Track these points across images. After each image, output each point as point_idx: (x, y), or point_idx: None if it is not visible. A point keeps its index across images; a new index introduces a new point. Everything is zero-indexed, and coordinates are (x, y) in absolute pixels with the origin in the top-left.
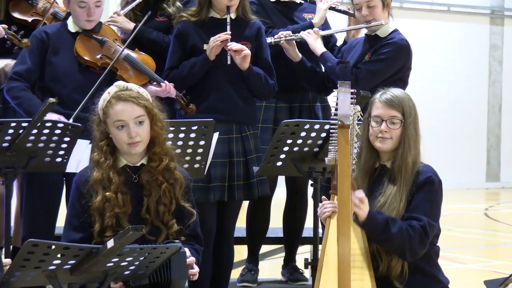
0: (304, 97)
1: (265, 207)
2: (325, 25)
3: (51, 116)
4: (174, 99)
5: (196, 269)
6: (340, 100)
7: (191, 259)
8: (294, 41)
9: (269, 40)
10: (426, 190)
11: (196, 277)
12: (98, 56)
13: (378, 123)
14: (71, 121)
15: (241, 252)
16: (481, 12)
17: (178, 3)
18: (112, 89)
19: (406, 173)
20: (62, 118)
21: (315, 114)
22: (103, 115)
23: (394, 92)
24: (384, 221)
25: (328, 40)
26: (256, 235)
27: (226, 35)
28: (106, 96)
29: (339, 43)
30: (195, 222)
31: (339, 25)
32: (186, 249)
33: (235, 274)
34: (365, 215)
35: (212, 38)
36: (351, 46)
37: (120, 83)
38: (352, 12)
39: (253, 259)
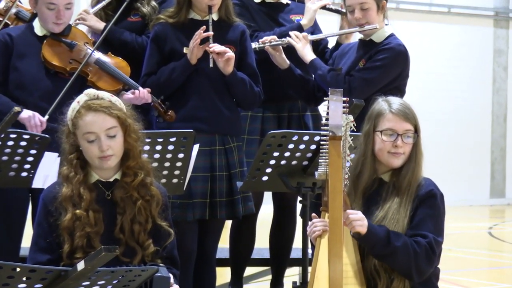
0: (293, 106)
1: (250, 226)
2: (314, 27)
3: (25, 113)
4: (151, 107)
5: None
6: (332, 109)
7: (175, 287)
8: (281, 47)
9: (254, 45)
10: (429, 205)
11: None
12: (68, 61)
13: (392, 137)
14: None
15: (223, 275)
16: (485, 14)
17: (153, 2)
18: (81, 98)
19: (411, 188)
20: (37, 116)
21: (305, 125)
22: (72, 126)
23: (402, 102)
24: (386, 234)
25: (318, 43)
26: (240, 256)
27: (206, 33)
28: (75, 105)
29: (330, 44)
30: (172, 243)
31: (329, 27)
32: (171, 275)
33: None
34: (365, 229)
35: (192, 40)
36: (344, 52)
37: (90, 91)
38: (345, 11)
39: (237, 282)
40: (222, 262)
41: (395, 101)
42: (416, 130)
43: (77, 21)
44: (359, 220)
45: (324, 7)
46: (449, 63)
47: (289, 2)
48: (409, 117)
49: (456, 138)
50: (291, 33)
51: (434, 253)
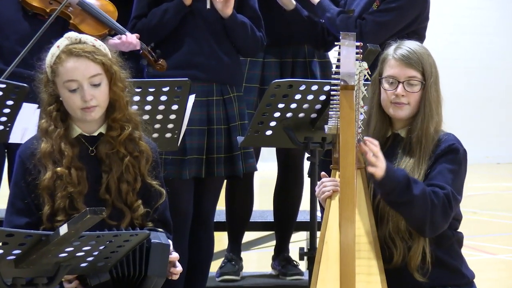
0: (298, 50)
1: (247, 184)
2: None
3: None
4: (140, 55)
5: (179, 268)
6: (343, 55)
7: (174, 255)
8: None
9: None
10: (449, 160)
11: (177, 277)
12: (48, 1)
13: (393, 85)
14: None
15: (222, 240)
16: None
17: None
18: (62, 42)
19: (426, 143)
20: None
21: (311, 72)
22: (51, 74)
23: (411, 46)
24: (405, 179)
25: None
26: (237, 218)
27: None
28: (55, 50)
29: None
30: (164, 204)
31: None
32: (170, 242)
33: (215, 266)
34: (382, 172)
35: None
36: None
37: (71, 35)
38: None
39: (235, 248)
40: (221, 226)
41: (404, 45)
42: (425, 78)
43: None
44: (374, 164)
45: None
46: (475, 5)
47: None
48: (413, 62)
49: (482, 89)
50: None
51: (451, 208)
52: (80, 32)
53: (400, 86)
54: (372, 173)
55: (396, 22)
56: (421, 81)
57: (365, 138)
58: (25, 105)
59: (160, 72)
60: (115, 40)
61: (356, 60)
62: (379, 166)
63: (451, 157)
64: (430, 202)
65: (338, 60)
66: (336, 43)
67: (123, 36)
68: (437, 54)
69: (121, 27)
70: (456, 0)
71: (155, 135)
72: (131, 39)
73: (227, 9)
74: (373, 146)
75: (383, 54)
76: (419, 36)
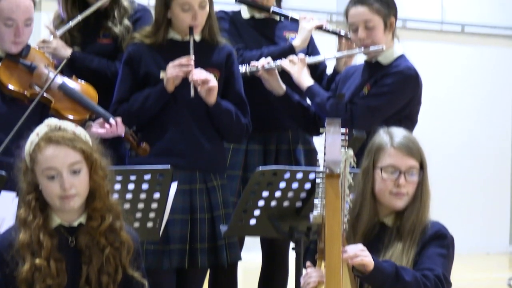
0: (282, 137)
1: (230, 275)
2: (312, 48)
3: None
4: (122, 138)
5: None
6: (328, 142)
7: None
8: (276, 70)
9: (243, 69)
10: (437, 245)
11: None
12: (27, 86)
13: (393, 174)
14: None
15: None
16: (503, 34)
17: (126, 21)
18: (41, 129)
19: (416, 232)
20: None
21: (296, 160)
22: (30, 162)
23: (406, 134)
24: (393, 269)
25: (316, 67)
26: None
27: (187, 60)
28: (34, 138)
29: (329, 69)
30: None
31: (328, 48)
32: None
33: None
34: (371, 265)
35: (170, 64)
36: (348, 75)
37: (51, 122)
38: (344, 34)
39: None
40: None
41: (398, 133)
42: (422, 167)
43: (40, 45)
44: (363, 251)
45: (320, 28)
46: (463, 88)
47: (282, 20)
48: (414, 152)
49: (470, 174)
50: (289, 57)
51: None
52: (62, 116)
53: (402, 176)
54: (359, 269)
55: (388, 106)
56: (419, 171)
57: (346, 247)
58: (3, 194)
59: (141, 160)
60: (99, 129)
61: (342, 147)
62: (367, 259)
63: (438, 243)
64: (423, 285)
65: (324, 147)
66: (321, 129)
67: (107, 125)
68: (424, 137)
69: (103, 110)
70: (444, 85)
71: (137, 224)
72: (115, 128)
73: (210, 97)
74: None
75: (375, 143)
76: (411, 120)
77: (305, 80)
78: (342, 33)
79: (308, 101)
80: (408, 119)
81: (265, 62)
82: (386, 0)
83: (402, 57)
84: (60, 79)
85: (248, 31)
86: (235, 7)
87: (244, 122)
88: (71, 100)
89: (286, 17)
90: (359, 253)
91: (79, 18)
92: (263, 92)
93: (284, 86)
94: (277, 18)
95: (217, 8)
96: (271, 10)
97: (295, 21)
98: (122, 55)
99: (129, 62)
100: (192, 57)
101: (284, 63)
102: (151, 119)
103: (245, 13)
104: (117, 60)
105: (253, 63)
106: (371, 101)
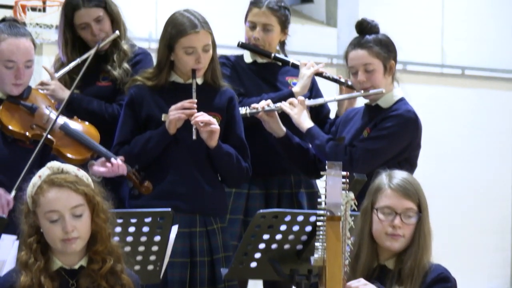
0: (284, 181)
1: None
2: (315, 92)
3: None
4: (122, 181)
5: None
6: (329, 185)
7: None
8: (276, 112)
9: (244, 111)
10: None
11: None
12: (29, 127)
13: (389, 216)
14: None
15: None
16: (503, 77)
17: (125, 65)
18: (43, 172)
19: (418, 275)
20: (3, 194)
21: (298, 203)
22: (32, 204)
23: (405, 176)
24: None
25: (319, 111)
26: None
27: (190, 103)
28: (36, 180)
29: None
30: None
31: (332, 90)
32: None
33: None
34: None
35: (172, 107)
36: (348, 118)
37: (53, 164)
38: (344, 81)
39: None
40: None
41: (397, 175)
42: (420, 209)
43: (39, 87)
44: (366, 285)
45: (320, 74)
46: (464, 131)
47: (284, 64)
48: (411, 193)
49: (472, 219)
50: (288, 100)
51: None
52: (64, 157)
53: (398, 217)
54: None
55: (387, 149)
56: (416, 213)
57: (347, 284)
58: (4, 237)
59: (142, 203)
60: (100, 168)
61: (343, 190)
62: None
63: (441, 286)
64: None
65: (325, 190)
66: (321, 173)
67: (108, 165)
68: (424, 181)
69: (105, 150)
70: (444, 128)
71: (137, 267)
72: (117, 167)
73: (211, 140)
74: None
75: (375, 183)
76: (411, 164)
77: (305, 122)
78: (342, 79)
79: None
80: (407, 163)
81: (265, 104)
82: (386, 44)
83: (402, 100)
84: (62, 120)
85: (250, 77)
86: (239, 51)
87: (244, 166)
88: (73, 140)
89: (287, 63)
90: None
91: (78, 60)
92: (264, 137)
93: (284, 128)
94: (280, 63)
95: (221, 51)
96: (272, 56)
97: (296, 67)
98: (121, 97)
99: (131, 104)
100: (195, 100)
101: (284, 105)
102: (152, 161)
103: (248, 57)
104: (114, 103)
105: (254, 105)
106: (370, 144)
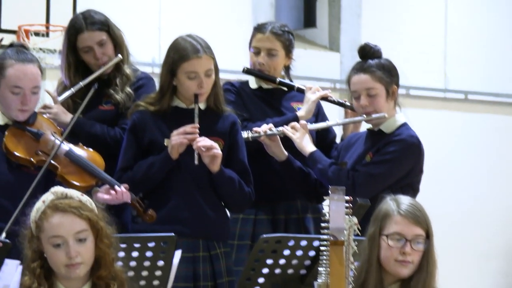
0: (291, 207)
1: None
2: (321, 117)
3: None
4: (128, 205)
5: None
6: (332, 210)
7: None
8: (278, 136)
9: (246, 135)
10: None
11: None
12: (34, 153)
13: (399, 242)
14: (3, 236)
15: None
16: (506, 101)
17: (128, 89)
18: (47, 197)
19: None
20: None
21: (305, 228)
22: (36, 229)
23: (412, 202)
24: None
25: (325, 135)
26: None
27: (192, 128)
28: (40, 205)
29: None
30: None
31: (337, 114)
32: None
33: None
34: None
35: (174, 132)
36: (350, 143)
37: (57, 190)
38: (349, 105)
39: None
40: None
41: (405, 201)
42: (428, 236)
43: (41, 110)
44: None
45: (325, 99)
46: (467, 157)
47: (289, 89)
48: (420, 220)
49: (476, 244)
50: (291, 124)
51: None
52: (68, 183)
53: (408, 244)
54: None
55: (390, 174)
56: (425, 240)
57: None
58: (8, 262)
59: (145, 227)
60: (104, 195)
61: (346, 215)
62: None
63: None
64: None
65: (328, 214)
66: (324, 197)
67: (113, 193)
68: (426, 206)
69: (109, 177)
70: (448, 153)
71: None
72: (121, 194)
73: (214, 166)
74: None
75: (382, 209)
76: (413, 189)
77: (307, 146)
78: (348, 103)
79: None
80: (410, 188)
81: (267, 128)
82: (389, 68)
83: (404, 125)
84: (67, 146)
85: (255, 102)
86: (244, 76)
87: (247, 191)
88: (77, 167)
89: (292, 87)
90: None
91: (81, 84)
92: (270, 162)
93: (285, 152)
94: (285, 88)
95: (226, 76)
96: (277, 81)
97: (301, 92)
98: (123, 121)
99: (133, 129)
100: (197, 125)
101: (286, 129)
102: (155, 186)
103: (253, 83)
104: (117, 126)
105: (256, 128)
106: (373, 169)
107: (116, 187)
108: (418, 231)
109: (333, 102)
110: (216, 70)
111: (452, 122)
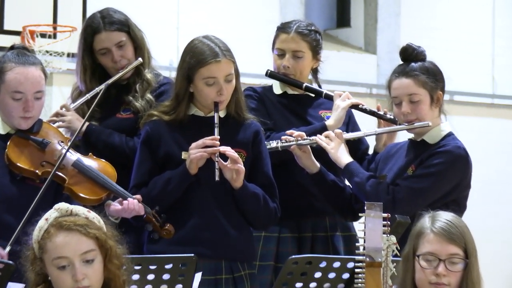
0: (318, 224)
1: None
2: (352, 126)
3: None
4: (143, 220)
5: None
6: (369, 228)
7: None
8: (309, 146)
9: (274, 144)
10: None
11: None
12: (39, 164)
13: (432, 263)
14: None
15: None
16: None
17: (148, 95)
18: (51, 214)
19: None
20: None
21: (334, 248)
22: (39, 250)
23: (449, 218)
24: None
25: (357, 147)
26: None
27: (212, 140)
28: (42, 223)
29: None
30: None
31: (369, 124)
32: None
33: None
34: None
35: (193, 145)
36: (390, 154)
37: (61, 206)
38: (382, 113)
39: None
40: None
41: (441, 217)
42: (467, 255)
43: (53, 118)
44: None
45: (356, 106)
46: None
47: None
48: (455, 237)
49: None
50: (324, 133)
51: None
52: (77, 197)
53: (442, 264)
54: None
55: (434, 189)
56: (463, 259)
57: None
58: (11, 285)
59: (161, 248)
60: (116, 206)
61: (384, 233)
62: None
63: None
64: None
65: (364, 233)
66: (360, 214)
67: (125, 202)
68: (473, 224)
69: (122, 189)
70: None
71: None
72: (133, 205)
73: (236, 181)
74: None
75: (417, 227)
76: (459, 205)
77: (343, 157)
78: (381, 112)
79: (346, 182)
80: (455, 204)
81: (298, 136)
82: (434, 72)
83: (450, 135)
84: (75, 156)
85: (279, 110)
86: (266, 80)
87: (273, 206)
88: (87, 178)
89: (320, 94)
90: None
91: (97, 90)
92: (295, 175)
93: (318, 164)
94: (312, 94)
95: (247, 81)
96: (304, 87)
97: (329, 98)
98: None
99: (147, 142)
100: (217, 136)
101: (320, 138)
102: (172, 204)
103: (277, 88)
104: (136, 136)
105: (286, 137)
106: (415, 183)
107: (129, 199)
108: (453, 250)
109: (365, 111)
110: (237, 74)
111: (501, 130)
